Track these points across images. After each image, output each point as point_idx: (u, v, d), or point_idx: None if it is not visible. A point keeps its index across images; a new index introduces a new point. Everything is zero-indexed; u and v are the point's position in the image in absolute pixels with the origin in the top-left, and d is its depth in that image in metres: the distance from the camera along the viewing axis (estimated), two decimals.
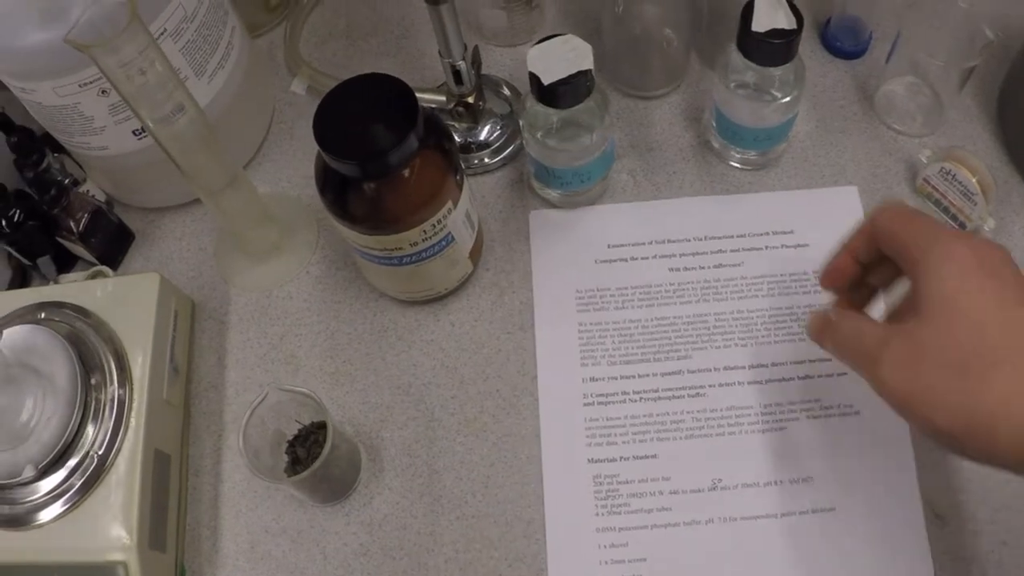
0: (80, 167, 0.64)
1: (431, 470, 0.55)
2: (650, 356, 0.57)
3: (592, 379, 0.57)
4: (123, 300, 0.56)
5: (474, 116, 0.62)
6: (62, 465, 0.51)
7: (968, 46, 0.57)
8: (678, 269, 0.59)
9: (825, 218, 0.60)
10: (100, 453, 0.52)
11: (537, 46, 0.50)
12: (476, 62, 0.59)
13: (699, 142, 0.64)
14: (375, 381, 0.58)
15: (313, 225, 0.64)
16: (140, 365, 0.54)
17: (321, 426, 0.54)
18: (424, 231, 0.52)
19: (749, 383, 0.56)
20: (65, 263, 0.64)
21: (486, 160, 0.64)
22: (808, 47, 0.66)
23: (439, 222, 0.52)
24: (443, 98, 0.61)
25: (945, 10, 0.58)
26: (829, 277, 0.47)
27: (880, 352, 0.40)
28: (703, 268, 0.59)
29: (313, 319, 0.61)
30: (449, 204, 0.52)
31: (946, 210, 0.59)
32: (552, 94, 0.50)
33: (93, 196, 0.63)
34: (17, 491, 0.51)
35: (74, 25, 0.44)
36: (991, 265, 0.39)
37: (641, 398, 0.56)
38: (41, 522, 0.51)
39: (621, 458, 0.54)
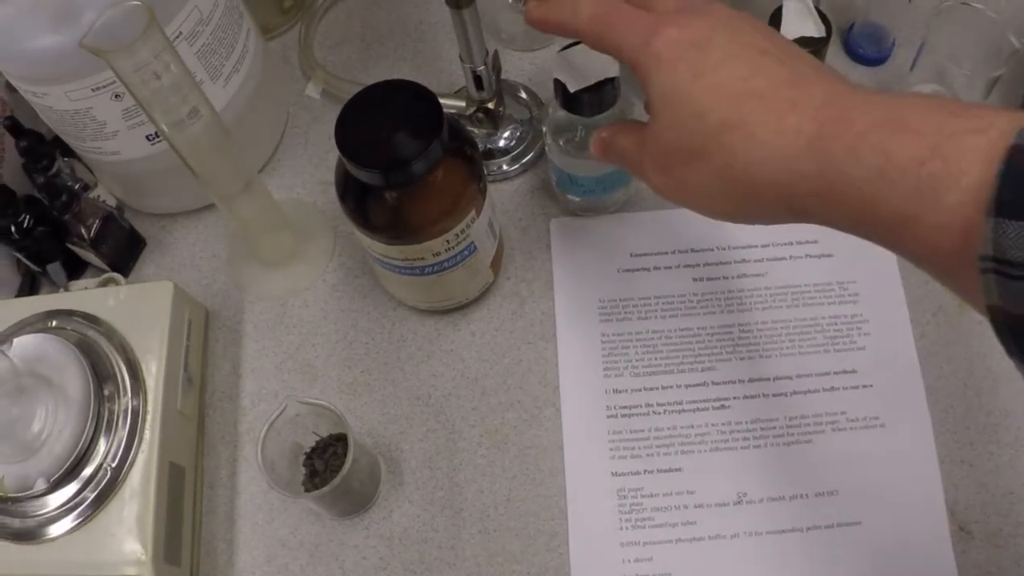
0: (91, 172, 0.63)
1: (452, 483, 0.55)
2: (674, 367, 0.56)
3: (615, 390, 0.56)
4: (136, 308, 0.55)
5: (494, 122, 0.61)
6: (74, 478, 0.50)
7: (994, 55, 0.56)
8: (702, 279, 0.59)
9: None
10: (113, 466, 0.51)
11: (562, 52, 0.50)
12: (496, 67, 0.59)
13: None
14: (394, 392, 0.57)
15: (329, 232, 0.63)
16: (154, 375, 0.54)
17: (340, 438, 0.53)
18: (447, 241, 0.51)
19: (774, 395, 0.55)
20: (74, 270, 0.63)
21: (505, 167, 0.63)
22: (831, 53, 0.65)
23: (462, 231, 0.51)
24: (462, 103, 0.60)
25: (971, 18, 0.57)
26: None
27: (641, 158, 0.41)
28: (727, 278, 0.59)
29: (330, 328, 0.60)
30: (472, 213, 0.51)
31: None
32: (577, 102, 0.49)
33: (104, 201, 0.62)
34: (28, 504, 0.50)
35: (89, 29, 0.43)
36: (700, 42, 0.38)
37: (665, 410, 0.55)
38: (52, 536, 0.50)
39: (645, 471, 0.54)
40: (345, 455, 0.49)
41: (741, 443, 0.54)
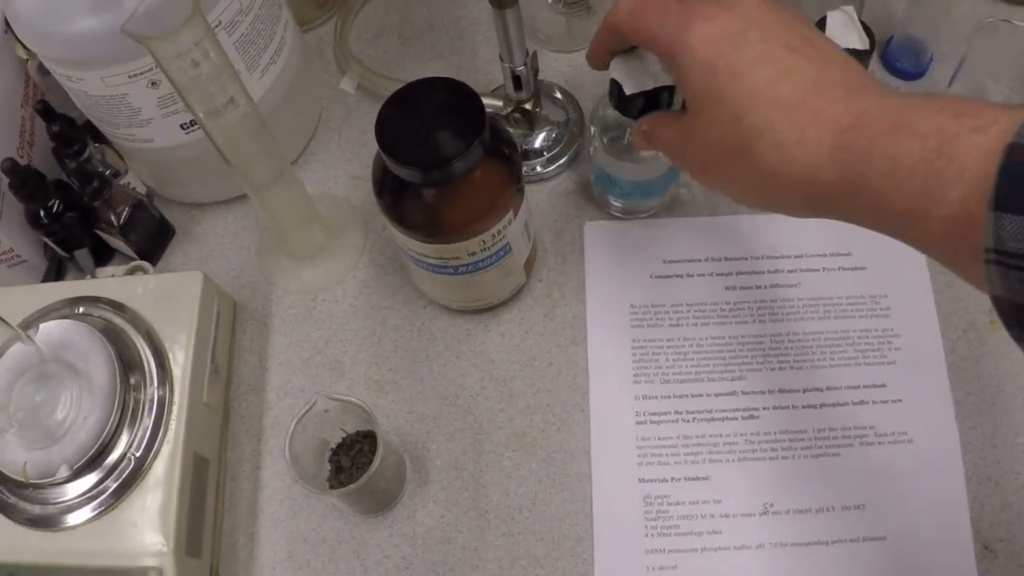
0: (121, 159, 0.62)
1: (477, 484, 0.54)
2: (704, 376, 0.56)
3: (645, 397, 0.55)
4: (164, 298, 0.55)
5: (531, 123, 0.61)
6: (97, 466, 0.50)
7: None
8: (734, 288, 0.58)
9: (883, 241, 0.59)
10: (137, 455, 0.50)
11: (622, 55, 0.49)
12: (535, 68, 0.58)
13: None
14: (421, 391, 0.57)
15: (361, 227, 0.62)
16: (181, 366, 0.53)
17: (367, 435, 0.53)
18: (483, 241, 0.51)
19: (803, 407, 0.55)
20: (102, 256, 0.63)
21: (539, 168, 0.63)
22: (868, 66, 0.65)
23: (499, 232, 0.51)
24: (500, 103, 0.60)
25: (1012, 36, 0.57)
26: (592, 64, 0.49)
27: (684, 157, 0.43)
28: (760, 288, 0.58)
29: (359, 324, 0.60)
30: (510, 214, 0.51)
31: None
32: (631, 104, 0.49)
33: (134, 189, 0.62)
34: (50, 491, 0.50)
35: (132, 15, 0.42)
36: (734, 38, 0.39)
37: (694, 418, 0.55)
38: (72, 524, 0.49)
39: (672, 479, 0.53)
40: (372, 452, 0.49)
41: (769, 454, 0.54)
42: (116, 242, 0.61)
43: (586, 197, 0.62)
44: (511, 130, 0.62)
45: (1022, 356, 0.57)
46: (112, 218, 0.59)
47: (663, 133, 0.45)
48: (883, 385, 0.55)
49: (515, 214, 0.51)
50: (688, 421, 0.55)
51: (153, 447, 0.51)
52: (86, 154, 0.59)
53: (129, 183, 0.62)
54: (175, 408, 0.52)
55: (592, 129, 0.55)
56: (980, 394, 0.55)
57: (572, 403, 0.56)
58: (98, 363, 0.51)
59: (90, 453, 0.49)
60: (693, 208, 0.61)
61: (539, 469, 0.54)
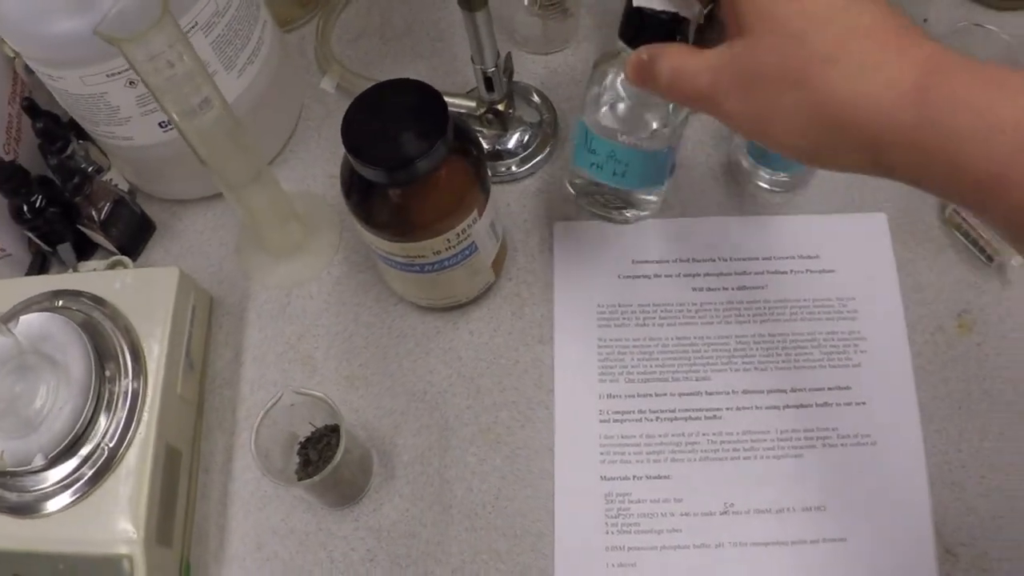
0: (105, 155, 0.64)
1: (442, 479, 0.55)
2: (668, 375, 0.56)
3: (609, 396, 0.56)
4: (141, 292, 0.56)
5: (504, 124, 0.61)
6: (72, 455, 0.51)
7: None
8: (701, 289, 0.59)
9: (852, 244, 0.59)
10: (111, 445, 0.52)
11: None
12: (508, 69, 0.59)
13: (728, 161, 0.63)
14: (390, 386, 0.58)
15: (336, 226, 0.64)
16: (155, 358, 0.54)
17: (334, 429, 0.54)
18: (448, 240, 0.51)
19: (767, 408, 0.55)
20: (84, 251, 0.64)
21: (513, 168, 0.63)
22: None
23: (463, 231, 0.52)
24: (473, 104, 0.61)
25: (985, 40, 0.57)
26: None
27: (715, 88, 0.38)
28: (726, 289, 0.59)
29: (331, 320, 0.61)
30: (474, 214, 0.52)
31: (974, 242, 0.58)
32: (638, 20, 0.44)
33: (116, 185, 0.63)
34: (26, 479, 0.51)
35: (104, 17, 0.43)
36: None
37: (657, 417, 0.55)
38: (49, 511, 0.50)
39: (634, 477, 0.54)
40: (339, 446, 0.50)
41: (731, 454, 0.54)
42: (97, 237, 0.62)
43: (560, 196, 0.63)
44: (484, 131, 0.62)
45: (989, 360, 0.57)
46: (93, 214, 0.61)
47: (688, 63, 0.39)
48: (848, 387, 0.56)
49: (480, 213, 0.52)
50: (651, 420, 0.55)
51: (126, 438, 0.52)
52: (69, 151, 0.60)
53: (111, 180, 0.63)
54: (148, 400, 0.53)
55: (589, 87, 0.53)
56: (946, 398, 0.55)
57: (537, 401, 0.57)
58: (75, 355, 0.52)
59: (65, 442, 0.50)
60: (662, 209, 0.62)
61: (503, 465, 0.55)
